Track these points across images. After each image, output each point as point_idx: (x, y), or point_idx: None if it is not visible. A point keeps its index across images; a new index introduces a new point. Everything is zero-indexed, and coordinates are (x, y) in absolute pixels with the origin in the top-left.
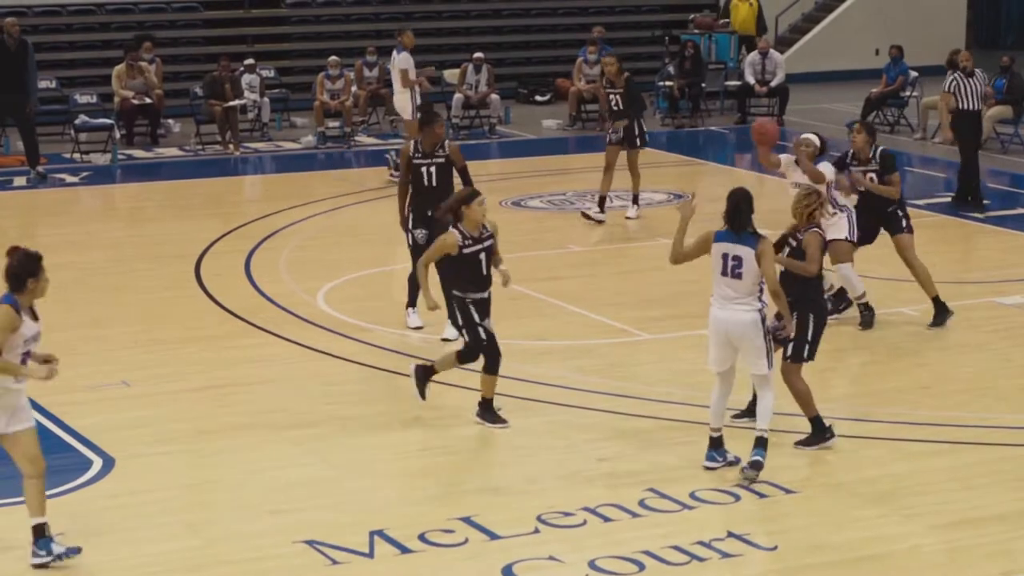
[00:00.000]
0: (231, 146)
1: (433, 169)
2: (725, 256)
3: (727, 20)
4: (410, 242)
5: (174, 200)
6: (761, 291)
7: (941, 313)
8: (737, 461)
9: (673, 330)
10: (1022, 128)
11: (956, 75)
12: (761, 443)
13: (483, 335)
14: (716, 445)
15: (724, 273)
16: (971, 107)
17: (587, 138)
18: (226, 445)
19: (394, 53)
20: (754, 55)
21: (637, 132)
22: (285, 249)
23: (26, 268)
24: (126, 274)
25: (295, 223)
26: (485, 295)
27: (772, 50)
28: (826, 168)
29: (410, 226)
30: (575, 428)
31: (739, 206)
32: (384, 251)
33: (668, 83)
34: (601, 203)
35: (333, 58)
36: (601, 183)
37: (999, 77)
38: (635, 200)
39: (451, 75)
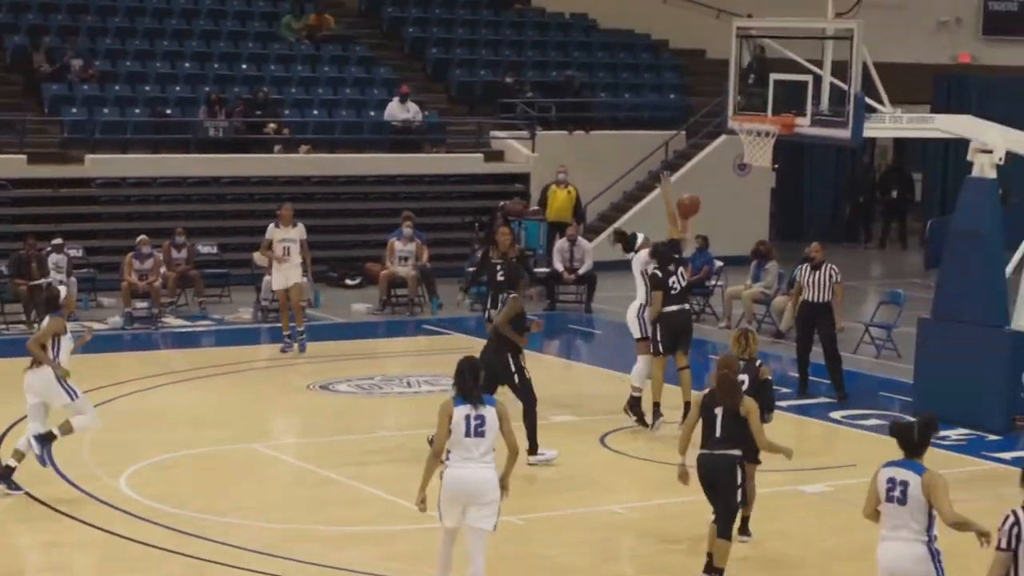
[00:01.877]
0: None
1: None
2: (468, 417)
3: (537, 208)
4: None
5: None
6: None
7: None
8: None
9: None
10: None
11: (804, 267)
12: None
13: None
14: None
15: (468, 434)
16: (817, 299)
17: (397, 322)
18: None
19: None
20: (562, 242)
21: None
22: (88, 431)
23: None
24: None
25: (99, 405)
26: None
27: (580, 238)
28: None
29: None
30: None
31: (463, 372)
32: (189, 434)
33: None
34: None
35: (142, 237)
36: None
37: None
38: None
39: (260, 258)
